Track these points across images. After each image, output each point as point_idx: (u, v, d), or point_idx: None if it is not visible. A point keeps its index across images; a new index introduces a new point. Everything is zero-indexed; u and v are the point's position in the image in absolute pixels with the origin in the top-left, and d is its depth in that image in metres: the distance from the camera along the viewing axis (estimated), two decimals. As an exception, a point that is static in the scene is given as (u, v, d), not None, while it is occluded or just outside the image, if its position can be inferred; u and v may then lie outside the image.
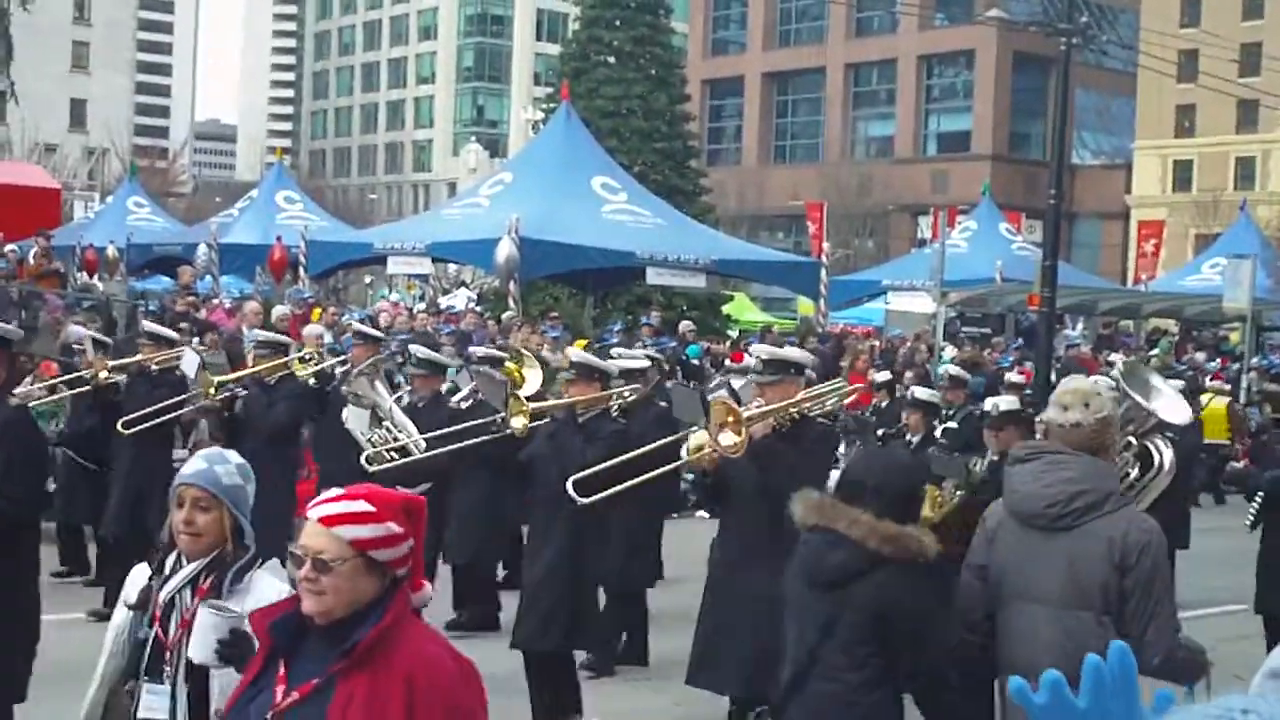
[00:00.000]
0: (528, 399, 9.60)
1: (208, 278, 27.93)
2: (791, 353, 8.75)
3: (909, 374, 22.55)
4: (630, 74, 41.80)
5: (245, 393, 11.56)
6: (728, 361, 21.38)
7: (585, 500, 8.22)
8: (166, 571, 4.73)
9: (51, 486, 12.30)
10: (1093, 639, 5.11)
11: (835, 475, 16.95)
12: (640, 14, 42.15)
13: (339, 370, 12.72)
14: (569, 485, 8.23)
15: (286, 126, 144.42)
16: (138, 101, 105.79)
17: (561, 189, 27.28)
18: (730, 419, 7.42)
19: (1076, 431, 5.74)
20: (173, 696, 4.53)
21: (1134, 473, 8.64)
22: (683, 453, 8.20)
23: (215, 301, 23.87)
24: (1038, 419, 6.35)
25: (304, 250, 28.12)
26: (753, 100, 72.30)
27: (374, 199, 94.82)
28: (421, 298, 37.38)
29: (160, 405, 11.66)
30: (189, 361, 12.06)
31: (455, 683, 3.73)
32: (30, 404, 11.20)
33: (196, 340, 18.11)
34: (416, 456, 10.23)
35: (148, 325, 13.61)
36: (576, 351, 10.39)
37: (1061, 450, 5.73)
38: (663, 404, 11.48)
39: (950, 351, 26.01)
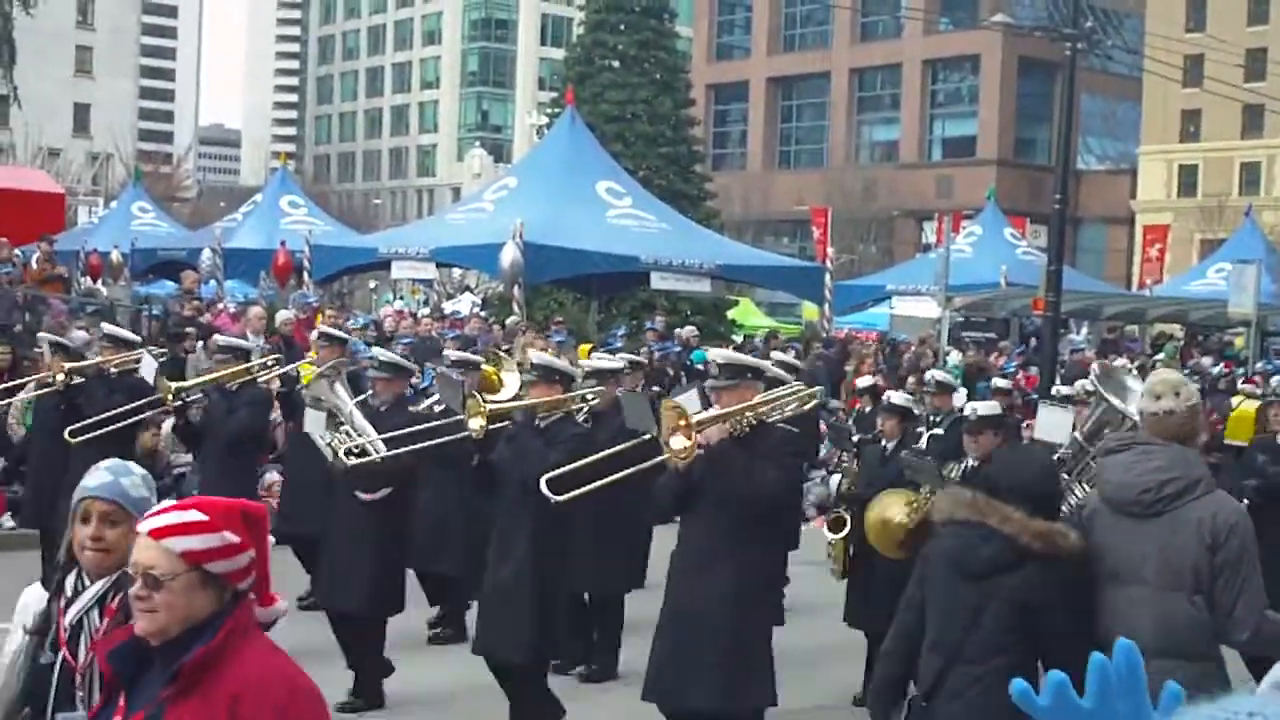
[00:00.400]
0: (505, 402, 9.47)
1: (212, 282, 27.92)
2: (749, 358, 8.64)
3: (912, 379, 22.53)
4: (635, 78, 41.83)
5: (204, 399, 11.34)
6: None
7: (559, 498, 8.11)
8: (68, 592, 4.42)
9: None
10: (1184, 618, 5.73)
11: (820, 481, 16.30)
12: (645, 18, 42.20)
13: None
14: (542, 483, 8.11)
15: (291, 131, 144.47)
16: (141, 106, 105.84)
17: (566, 194, 27.27)
18: (681, 423, 7.33)
19: (1169, 419, 6.09)
20: None
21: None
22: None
23: (219, 306, 23.83)
24: (1143, 411, 6.39)
25: (308, 255, 28.11)
26: (757, 105, 72.29)
27: (378, 204, 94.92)
28: (426, 303, 37.37)
29: (108, 414, 11.42)
30: (147, 366, 11.82)
31: (285, 706, 3.46)
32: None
33: (200, 345, 18.15)
34: (373, 457, 9.90)
35: (106, 327, 13.37)
36: (536, 353, 10.21)
37: (1151, 441, 6.08)
38: None
39: (955, 356, 25.97)
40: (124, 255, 30.37)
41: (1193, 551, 5.80)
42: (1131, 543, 5.96)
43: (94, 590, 4.36)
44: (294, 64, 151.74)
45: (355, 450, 9.90)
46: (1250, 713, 1.95)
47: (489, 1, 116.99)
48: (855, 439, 11.90)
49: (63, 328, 18.47)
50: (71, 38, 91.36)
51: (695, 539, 7.77)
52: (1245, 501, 11.98)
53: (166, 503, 3.65)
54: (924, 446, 11.04)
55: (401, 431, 10.01)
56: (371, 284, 44.04)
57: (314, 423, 10.49)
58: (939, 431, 12.17)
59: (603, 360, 12.41)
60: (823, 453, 18.18)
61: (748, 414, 7.67)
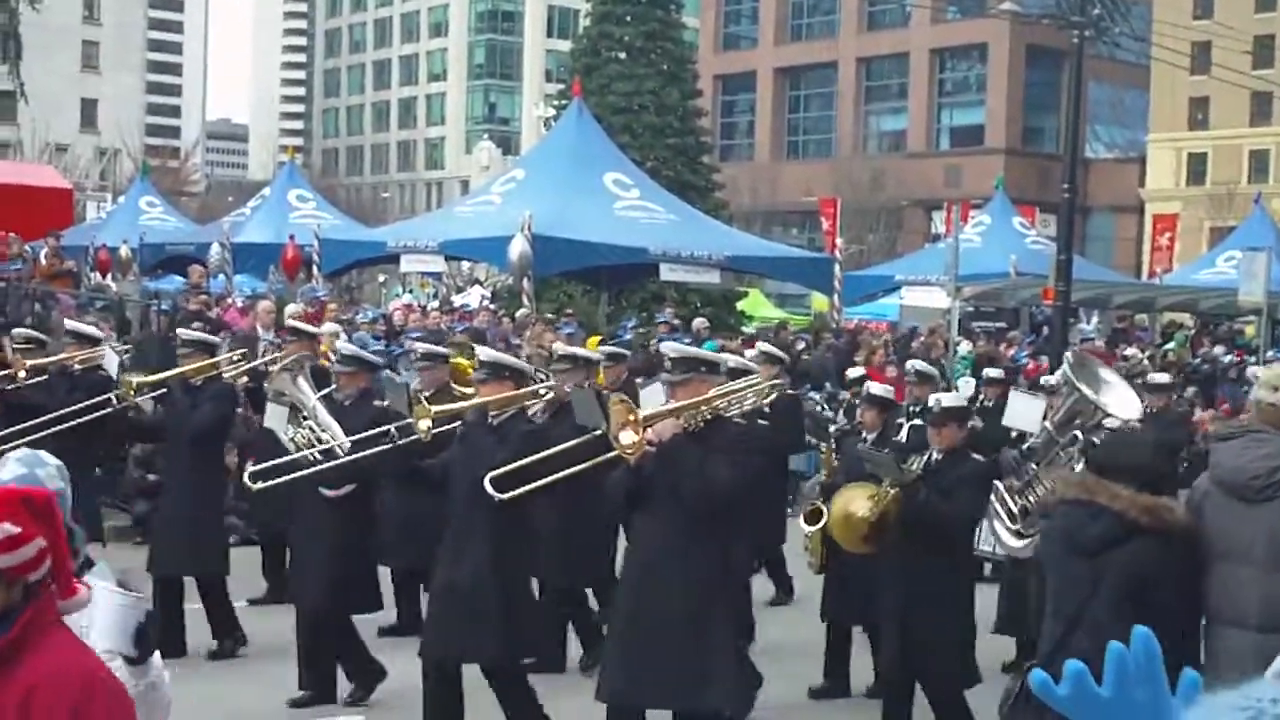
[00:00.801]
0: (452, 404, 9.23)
1: (221, 277, 27.93)
2: (702, 351, 8.48)
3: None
4: (642, 69, 41.79)
5: (165, 394, 11.17)
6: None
7: (502, 496, 7.95)
8: None
9: None
10: None
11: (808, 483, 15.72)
12: (651, 9, 42.14)
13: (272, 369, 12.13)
14: (485, 481, 7.96)
15: (298, 125, 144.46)
16: (149, 101, 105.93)
17: (574, 185, 27.24)
18: (630, 419, 7.20)
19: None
20: None
21: (1080, 467, 8.40)
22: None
23: (229, 301, 23.84)
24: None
25: (317, 249, 28.10)
26: (765, 95, 72.23)
27: (387, 197, 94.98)
28: (435, 296, 37.36)
29: (58, 413, 11.21)
30: (110, 360, 11.64)
31: (80, 700, 3.30)
32: None
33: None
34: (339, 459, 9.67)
35: (70, 323, 13.17)
36: (485, 350, 9.88)
37: (1262, 429, 6.42)
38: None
39: (965, 346, 25.95)
40: (133, 250, 30.42)
41: None
42: (1241, 525, 6.30)
43: None
44: (301, 57, 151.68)
45: (319, 446, 9.74)
46: (1274, 699, 1.93)
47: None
48: (833, 430, 11.79)
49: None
50: (78, 33, 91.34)
51: (648, 537, 7.64)
52: None
53: None
54: (904, 439, 10.92)
55: (365, 435, 9.67)
56: (381, 277, 44.02)
57: (275, 418, 10.31)
58: (919, 423, 12.08)
59: (576, 349, 12.30)
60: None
61: (702, 408, 7.51)
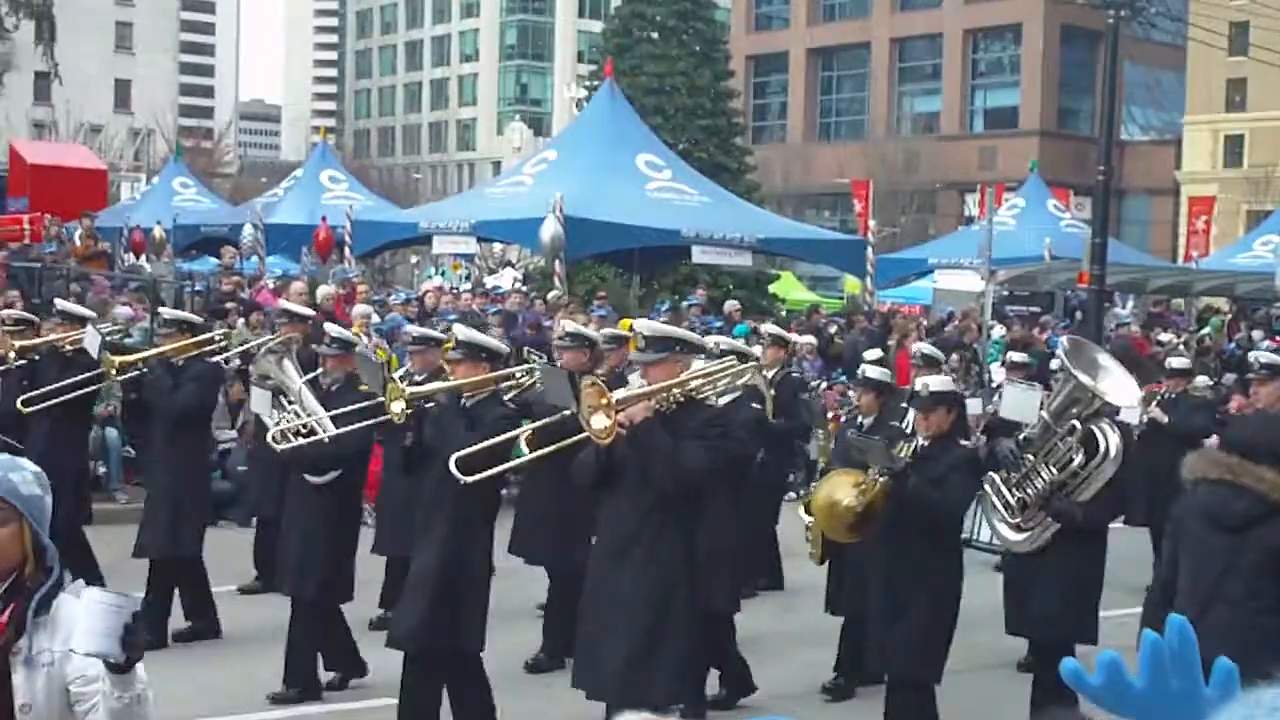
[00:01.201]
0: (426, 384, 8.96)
1: (254, 258, 27.98)
2: (677, 330, 8.18)
3: (955, 355, 22.40)
4: (674, 50, 41.70)
5: (148, 373, 11.06)
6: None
7: (467, 479, 7.72)
8: None
9: None
10: None
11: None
12: (683, -11, 42.04)
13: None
14: (450, 463, 7.78)
15: (331, 106, 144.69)
16: (182, 82, 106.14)
17: (605, 167, 27.19)
18: (601, 402, 6.99)
19: None
20: None
21: (1078, 459, 8.45)
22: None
23: (261, 282, 23.88)
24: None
25: (349, 230, 28.13)
26: (797, 76, 71.98)
27: (419, 178, 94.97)
28: (467, 277, 37.37)
29: (59, 385, 11.25)
30: (91, 340, 11.50)
31: None
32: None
33: (242, 321, 18.16)
34: (318, 438, 9.49)
35: (60, 303, 13.00)
36: (462, 329, 9.58)
37: None
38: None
39: (999, 330, 25.82)
40: (166, 231, 30.50)
41: None
42: None
43: None
44: (333, 38, 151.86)
45: (303, 431, 9.54)
46: None
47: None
48: (829, 415, 11.58)
49: (106, 304, 18.55)
50: (112, 14, 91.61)
51: (616, 522, 7.45)
52: None
53: None
54: (909, 426, 10.64)
55: (346, 409, 9.50)
56: (413, 259, 44.07)
57: (259, 401, 10.16)
58: None
59: (580, 328, 12.17)
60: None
61: (675, 390, 7.30)
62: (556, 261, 24.90)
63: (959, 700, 9.10)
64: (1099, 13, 31.39)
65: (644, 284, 31.78)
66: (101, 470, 15.54)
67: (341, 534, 9.67)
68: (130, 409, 11.69)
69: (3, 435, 12.23)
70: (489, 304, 23.32)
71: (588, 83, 46.94)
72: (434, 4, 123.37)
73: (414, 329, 13.00)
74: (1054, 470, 8.52)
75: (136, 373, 11.15)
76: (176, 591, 11.10)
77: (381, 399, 8.90)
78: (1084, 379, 8.51)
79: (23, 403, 11.17)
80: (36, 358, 11.60)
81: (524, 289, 27.51)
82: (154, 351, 11.21)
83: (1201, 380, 17.48)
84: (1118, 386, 8.72)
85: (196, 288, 23.33)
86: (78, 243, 23.44)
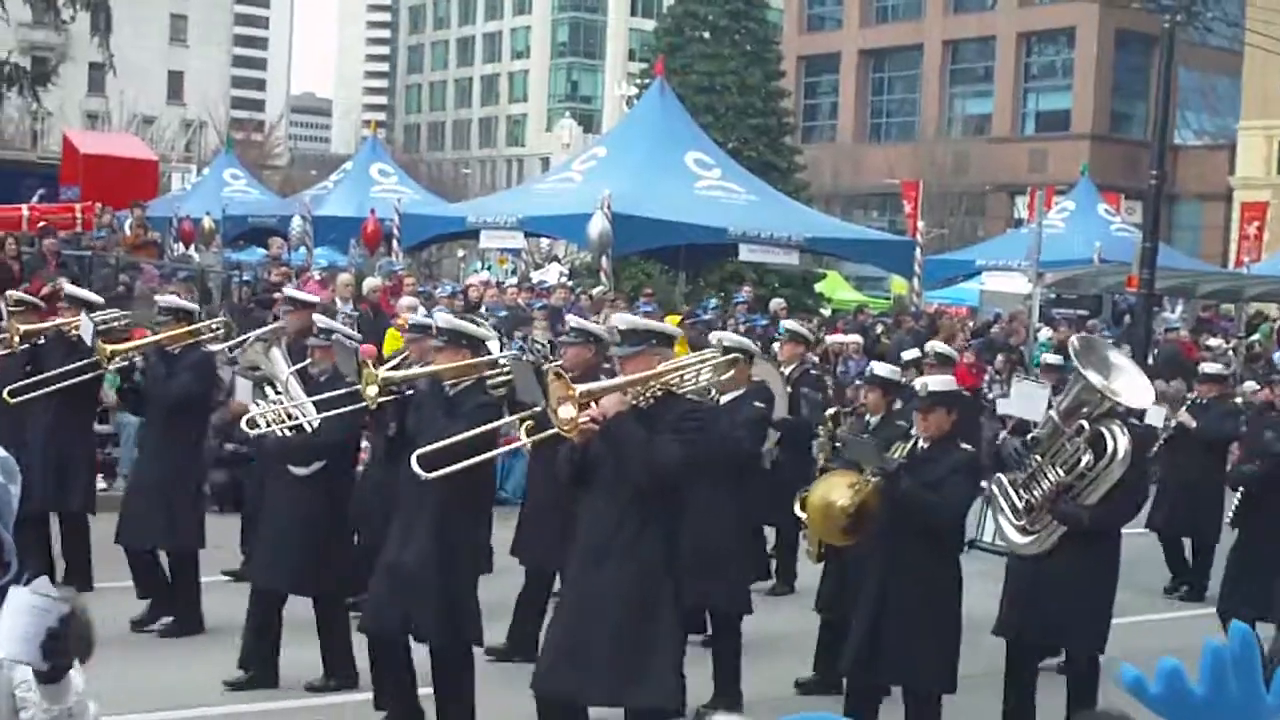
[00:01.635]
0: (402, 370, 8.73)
1: (301, 249, 28.12)
2: (654, 323, 7.95)
3: (1000, 357, 22.32)
4: (725, 50, 41.72)
5: (143, 362, 10.90)
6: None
7: (428, 475, 7.53)
8: None
9: None
10: None
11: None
12: (736, -11, 42.03)
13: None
14: (413, 459, 7.60)
15: (381, 100, 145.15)
16: (234, 74, 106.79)
17: (654, 165, 27.22)
18: (569, 394, 6.76)
19: None
20: None
21: (1086, 459, 8.20)
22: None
23: (308, 274, 23.99)
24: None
25: (397, 223, 28.23)
26: (848, 77, 71.74)
27: (468, 173, 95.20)
28: (514, 272, 37.44)
29: (45, 375, 11.16)
30: (85, 327, 11.34)
31: None
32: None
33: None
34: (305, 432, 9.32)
35: (69, 288, 12.84)
36: (443, 316, 9.40)
37: None
38: None
39: (1046, 333, 25.69)
40: (216, 222, 30.70)
41: None
42: None
43: None
44: (385, 33, 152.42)
45: (289, 421, 9.35)
46: None
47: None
48: (832, 413, 11.22)
49: (154, 293, 18.67)
50: (166, 6, 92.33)
51: (593, 519, 7.16)
52: (1240, 490, 11.44)
53: None
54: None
55: (331, 398, 9.26)
56: (460, 253, 44.19)
57: (244, 391, 9.98)
58: None
59: (585, 322, 12.01)
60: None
61: (652, 383, 7.07)
62: (603, 257, 24.92)
63: (966, 705, 8.86)
64: (1154, 17, 31.24)
65: (690, 281, 31.79)
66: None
67: (326, 526, 9.42)
68: (125, 398, 11.56)
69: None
70: (534, 299, 23.35)
71: (638, 81, 46.98)
72: (486, 0, 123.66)
73: (413, 318, 12.76)
74: (1061, 471, 8.27)
75: (130, 361, 10.99)
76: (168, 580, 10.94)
77: None
78: (1094, 378, 8.24)
79: (9, 393, 11.07)
80: (41, 341, 11.50)
81: (570, 284, 27.53)
82: (149, 340, 11.04)
83: (1249, 386, 17.34)
84: (1131, 386, 8.44)
85: (244, 278, 23.48)
86: (128, 232, 23.62)
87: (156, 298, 12.65)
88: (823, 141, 68.14)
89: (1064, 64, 66.99)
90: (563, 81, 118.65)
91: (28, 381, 11.22)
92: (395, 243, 28.02)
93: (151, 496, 10.69)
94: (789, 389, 11.99)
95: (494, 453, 7.90)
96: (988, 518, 9.00)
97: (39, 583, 3.24)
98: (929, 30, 68.85)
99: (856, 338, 21.56)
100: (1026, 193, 42.32)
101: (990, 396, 19.64)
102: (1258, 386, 16.51)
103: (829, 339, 21.39)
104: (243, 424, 10.00)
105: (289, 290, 13.93)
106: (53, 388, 11.19)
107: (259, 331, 10.55)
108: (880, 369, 10.42)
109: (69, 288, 12.84)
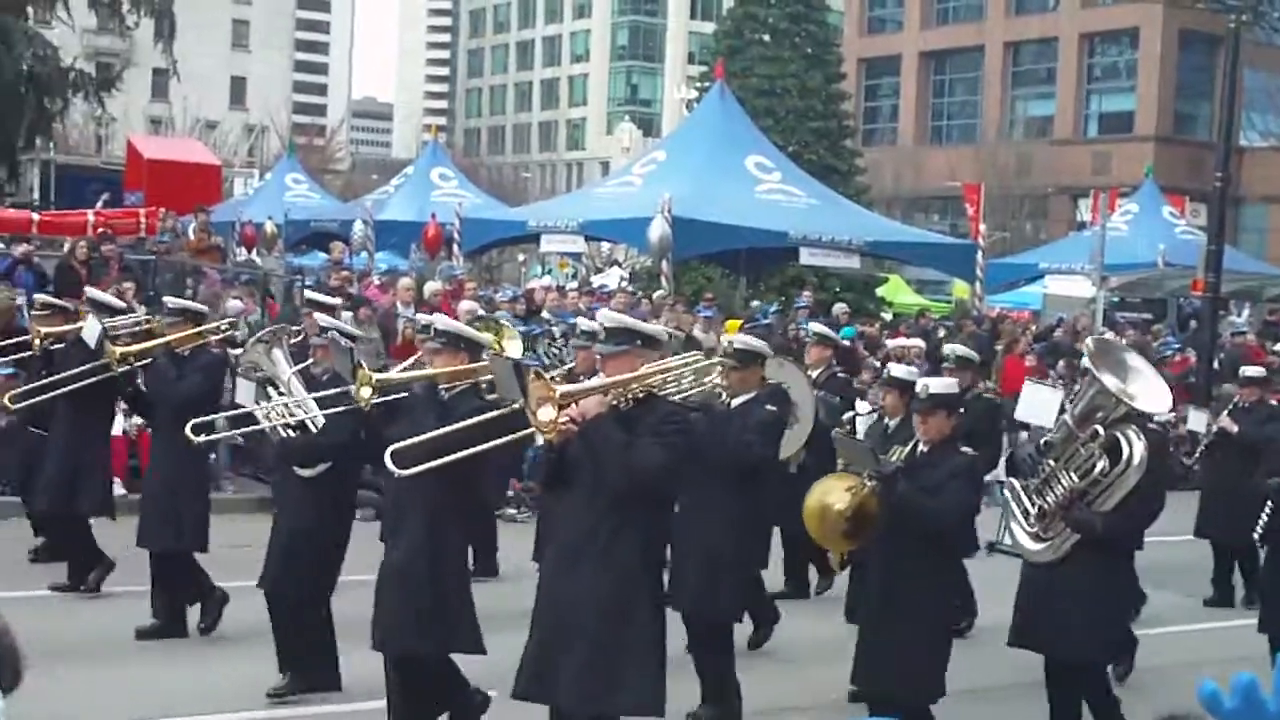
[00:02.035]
0: (399, 373, 8.54)
1: (363, 254, 28.25)
2: (638, 322, 7.65)
3: (1063, 362, 22.14)
4: (785, 52, 41.67)
5: (152, 364, 10.83)
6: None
7: (403, 473, 7.40)
8: None
9: None
10: None
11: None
12: (796, -8, 41.97)
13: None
14: (386, 456, 7.44)
15: (442, 105, 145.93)
16: (296, 80, 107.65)
17: (715, 168, 27.18)
18: (550, 394, 6.61)
19: None
20: None
21: (1101, 465, 7.96)
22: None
23: (369, 278, 24.09)
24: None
25: (458, 227, 28.30)
26: (909, 79, 71.50)
27: (528, 177, 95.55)
28: (574, 276, 37.51)
29: (45, 381, 11.19)
30: (91, 330, 11.28)
31: None
32: None
33: (350, 315, 18.31)
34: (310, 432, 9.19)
35: (91, 291, 12.70)
36: (442, 319, 9.19)
37: None
38: None
39: (1110, 337, 25.49)
40: (278, 226, 30.88)
41: None
42: None
43: None
44: (445, 37, 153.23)
45: (291, 422, 9.27)
46: None
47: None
48: (852, 416, 11.04)
49: (217, 297, 18.80)
50: (229, 11, 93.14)
51: (570, 523, 7.02)
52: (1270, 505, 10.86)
53: None
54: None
55: (332, 398, 9.13)
56: (520, 257, 44.32)
57: (244, 392, 9.86)
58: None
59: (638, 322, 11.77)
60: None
61: (634, 385, 6.89)
62: (664, 261, 24.91)
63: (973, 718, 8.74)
64: (1219, 17, 30.94)
65: (751, 285, 31.73)
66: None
67: (330, 529, 9.30)
68: (134, 400, 11.55)
69: (33, 426, 12.29)
70: (595, 303, 23.35)
71: (698, 84, 47.03)
72: (546, 4, 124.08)
73: (423, 317, 12.53)
74: (1074, 477, 8.03)
75: (130, 366, 10.94)
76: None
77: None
78: (1109, 381, 8.00)
79: (10, 399, 11.14)
80: (60, 344, 11.52)
81: (630, 288, 27.54)
82: (159, 341, 10.95)
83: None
84: (1148, 390, 8.16)
85: (306, 282, 23.59)
86: (192, 236, 23.78)
87: (167, 299, 12.48)
88: (883, 144, 67.93)
89: (1127, 65, 66.52)
90: (622, 85, 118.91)
91: (32, 386, 11.31)
92: (456, 247, 28.09)
93: (160, 499, 10.67)
94: (816, 392, 11.93)
95: (466, 453, 7.56)
96: (1006, 521, 8.77)
97: None
98: (990, 32, 68.53)
99: (919, 342, 21.44)
100: (1090, 195, 42.02)
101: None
102: None
103: (890, 343, 21.30)
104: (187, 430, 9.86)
105: (309, 293, 13.93)
106: (65, 389, 11.21)
107: (261, 333, 10.38)
108: (898, 370, 10.25)
109: (90, 291, 12.75)
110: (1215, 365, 24.87)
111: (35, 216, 23.96)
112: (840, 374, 13.76)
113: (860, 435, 9.70)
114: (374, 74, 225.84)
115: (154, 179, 27.71)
